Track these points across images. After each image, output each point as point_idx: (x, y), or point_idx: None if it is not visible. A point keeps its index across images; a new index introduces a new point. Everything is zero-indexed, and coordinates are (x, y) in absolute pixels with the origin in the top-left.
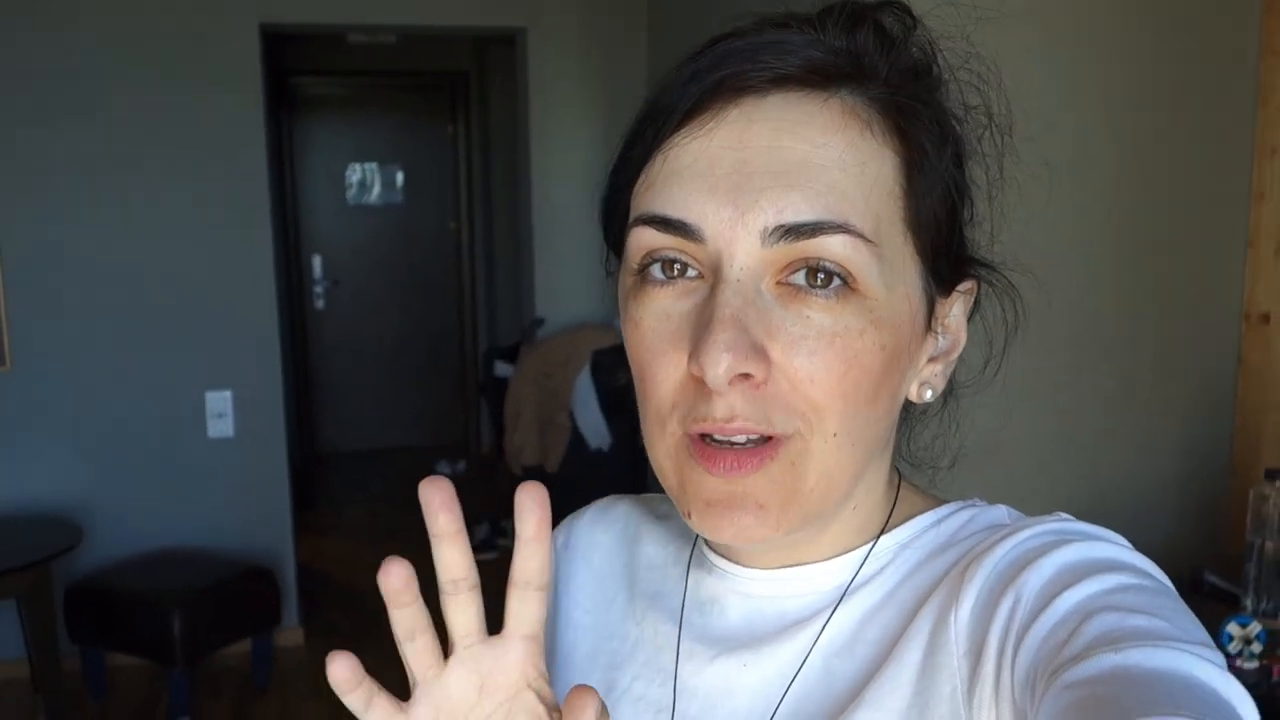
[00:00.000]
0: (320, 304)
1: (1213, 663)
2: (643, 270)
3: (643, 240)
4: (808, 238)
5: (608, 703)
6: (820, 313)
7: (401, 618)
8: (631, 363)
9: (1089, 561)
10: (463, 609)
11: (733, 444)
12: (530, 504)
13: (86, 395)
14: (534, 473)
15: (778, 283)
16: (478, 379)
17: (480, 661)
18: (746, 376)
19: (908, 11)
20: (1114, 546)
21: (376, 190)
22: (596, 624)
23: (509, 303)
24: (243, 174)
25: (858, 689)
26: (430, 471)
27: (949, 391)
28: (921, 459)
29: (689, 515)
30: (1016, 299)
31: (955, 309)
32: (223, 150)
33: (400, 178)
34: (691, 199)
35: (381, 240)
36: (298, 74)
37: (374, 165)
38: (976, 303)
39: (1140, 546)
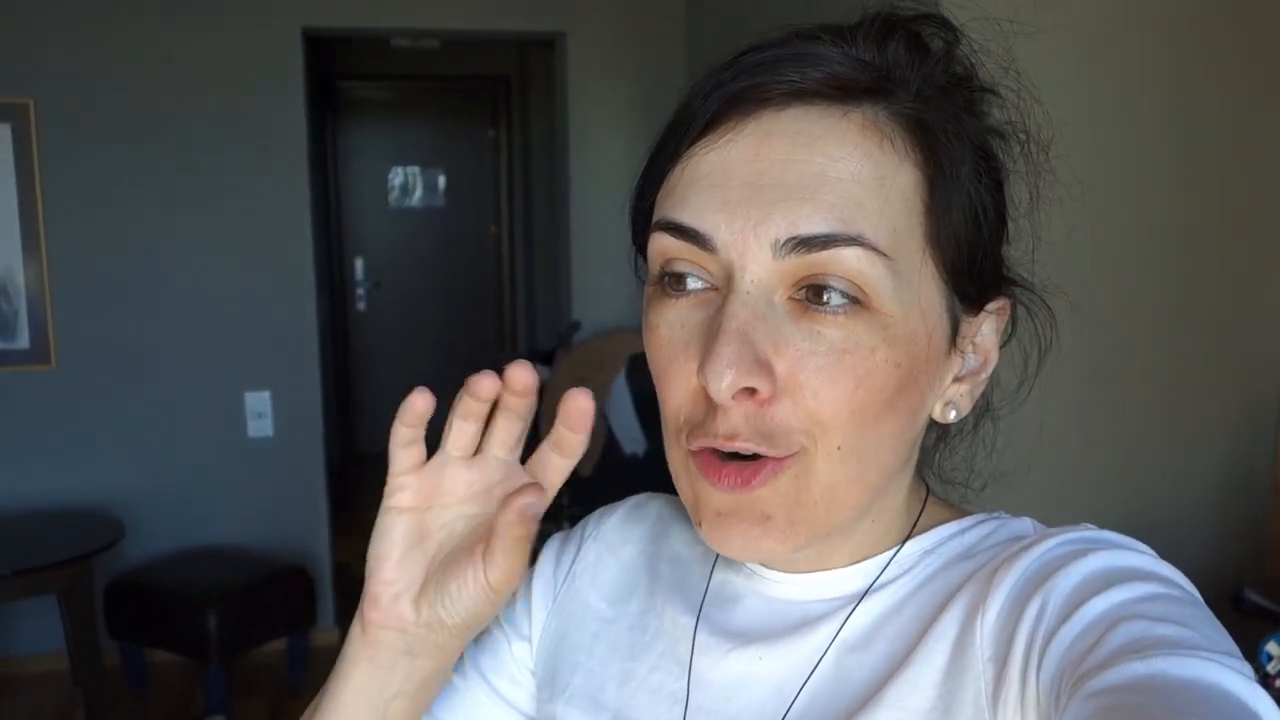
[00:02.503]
0: (361, 306)
1: (1240, 672)
2: (662, 278)
3: (660, 245)
4: (820, 249)
5: (626, 692)
6: (831, 329)
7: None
8: (651, 369)
9: (1116, 569)
10: (498, 428)
11: (738, 454)
12: (579, 412)
13: (129, 394)
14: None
15: (790, 297)
16: None
17: (477, 471)
18: (752, 392)
19: (947, 25)
20: (1141, 555)
21: (418, 193)
22: (619, 616)
23: (548, 307)
24: (285, 176)
25: (875, 688)
26: None
27: (983, 412)
28: (953, 478)
29: (700, 525)
30: (1050, 321)
31: (985, 328)
32: (265, 153)
33: (442, 181)
34: (706, 209)
35: (422, 243)
36: (341, 78)
37: (416, 169)
38: (1014, 323)
39: (1181, 563)
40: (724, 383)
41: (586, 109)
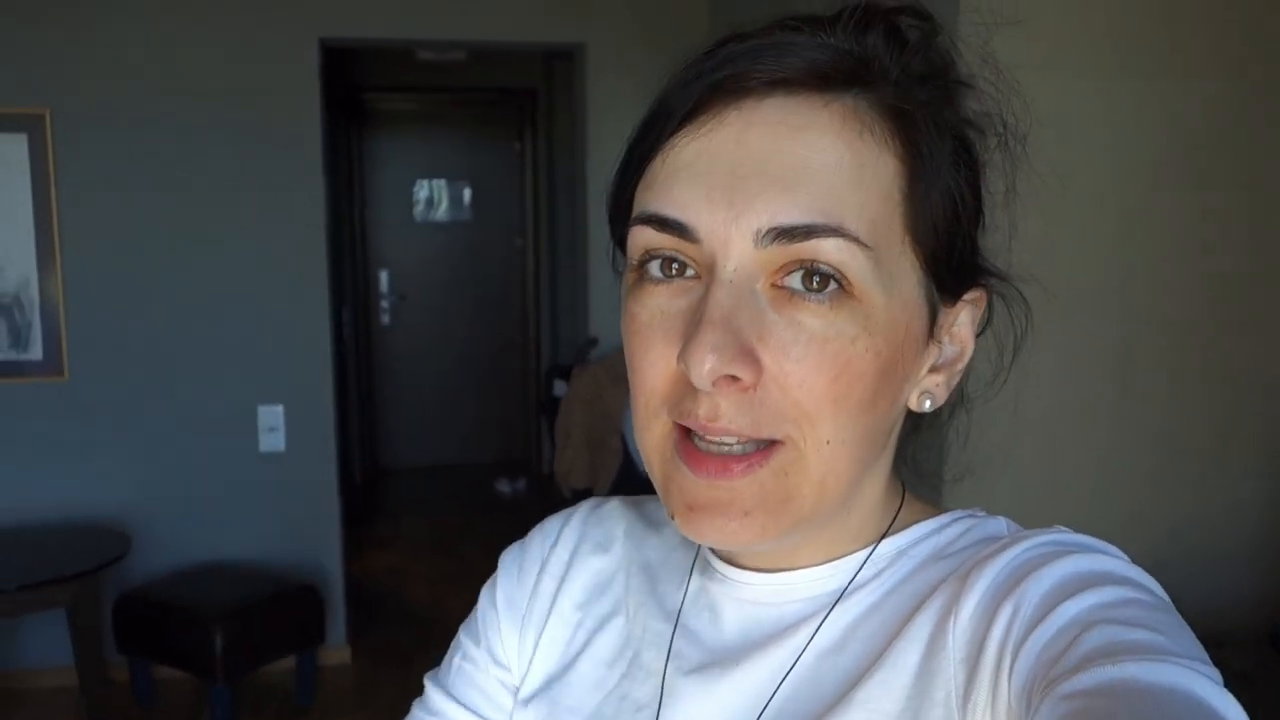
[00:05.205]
0: (386, 319)
1: (1209, 678)
2: (642, 266)
3: (642, 239)
4: (801, 240)
5: (596, 699)
6: (813, 318)
7: None
8: (626, 356)
9: (1089, 574)
10: None
11: (721, 446)
12: None
13: (141, 407)
14: (583, 495)
15: (773, 285)
16: (539, 397)
17: None
18: (734, 380)
19: (925, 16)
20: (1113, 560)
21: (444, 206)
22: (586, 619)
23: (571, 321)
24: (300, 189)
25: (846, 689)
26: (491, 489)
27: (957, 404)
28: (927, 470)
29: (673, 516)
30: (1026, 311)
31: (962, 318)
32: (281, 165)
33: (468, 194)
34: (689, 200)
35: (448, 256)
36: (368, 90)
37: (442, 182)
38: (990, 313)
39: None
40: (705, 368)
41: (606, 120)
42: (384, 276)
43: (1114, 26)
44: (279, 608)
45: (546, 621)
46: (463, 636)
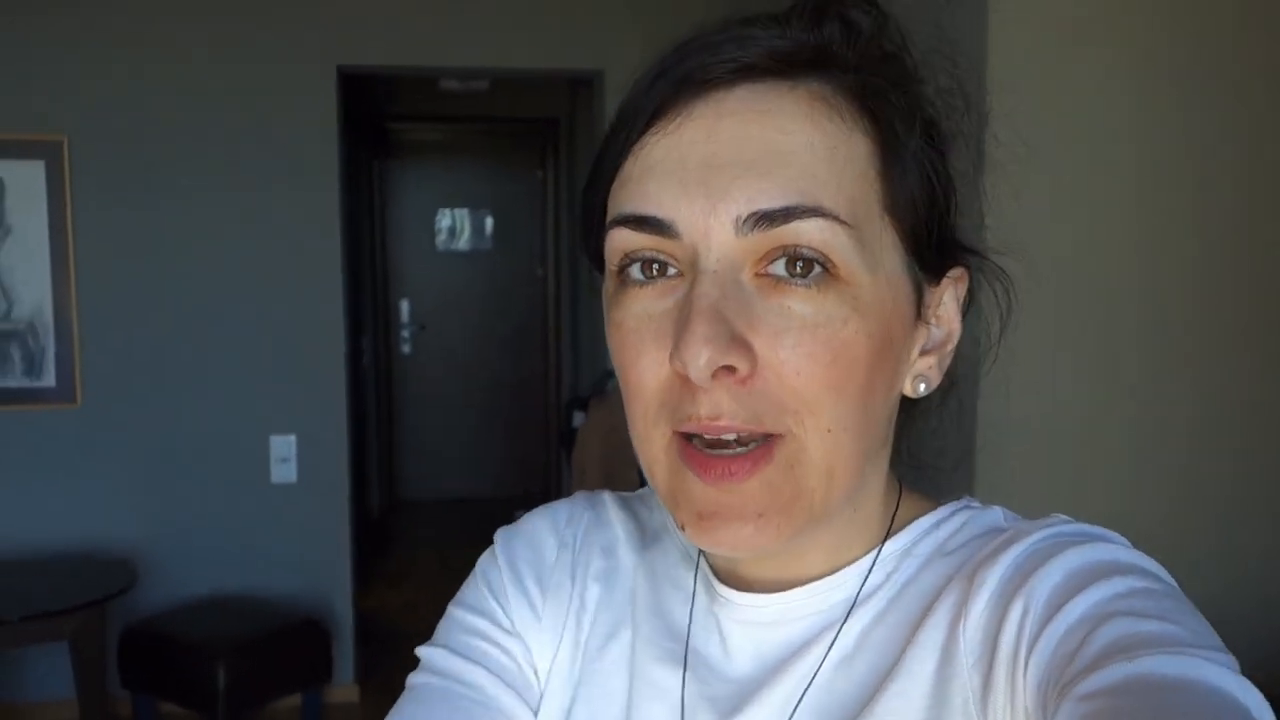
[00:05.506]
0: (406, 349)
1: (1227, 668)
2: (622, 272)
3: (620, 242)
4: (781, 223)
5: (613, 713)
6: (801, 303)
7: None
8: (616, 367)
9: (1096, 565)
10: None
11: (724, 444)
12: None
13: (152, 435)
14: None
15: (757, 274)
16: (559, 429)
17: None
18: (730, 370)
19: (876, 5)
20: (1118, 548)
21: (466, 236)
22: (597, 626)
23: (592, 352)
24: (316, 218)
25: (865, 701)
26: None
27: (949, 389)
28: (924, 461)
29: (683, 528)
30: (1010, 286)
31: (946, 297)
32: (299, 192)
33: (490, 223)
34: (665, 195)
35: (469, 286)
36: (391, 119)
37: (464, 211)
38: (971, 295)
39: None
40: (701, 360)
41: None
42: (405, 306)
43: None
44: (286, 644)
45: (564, 628)
46: (471, 618)
